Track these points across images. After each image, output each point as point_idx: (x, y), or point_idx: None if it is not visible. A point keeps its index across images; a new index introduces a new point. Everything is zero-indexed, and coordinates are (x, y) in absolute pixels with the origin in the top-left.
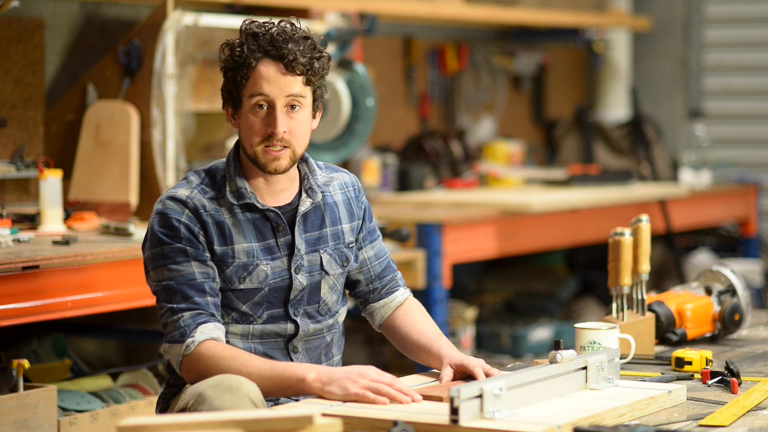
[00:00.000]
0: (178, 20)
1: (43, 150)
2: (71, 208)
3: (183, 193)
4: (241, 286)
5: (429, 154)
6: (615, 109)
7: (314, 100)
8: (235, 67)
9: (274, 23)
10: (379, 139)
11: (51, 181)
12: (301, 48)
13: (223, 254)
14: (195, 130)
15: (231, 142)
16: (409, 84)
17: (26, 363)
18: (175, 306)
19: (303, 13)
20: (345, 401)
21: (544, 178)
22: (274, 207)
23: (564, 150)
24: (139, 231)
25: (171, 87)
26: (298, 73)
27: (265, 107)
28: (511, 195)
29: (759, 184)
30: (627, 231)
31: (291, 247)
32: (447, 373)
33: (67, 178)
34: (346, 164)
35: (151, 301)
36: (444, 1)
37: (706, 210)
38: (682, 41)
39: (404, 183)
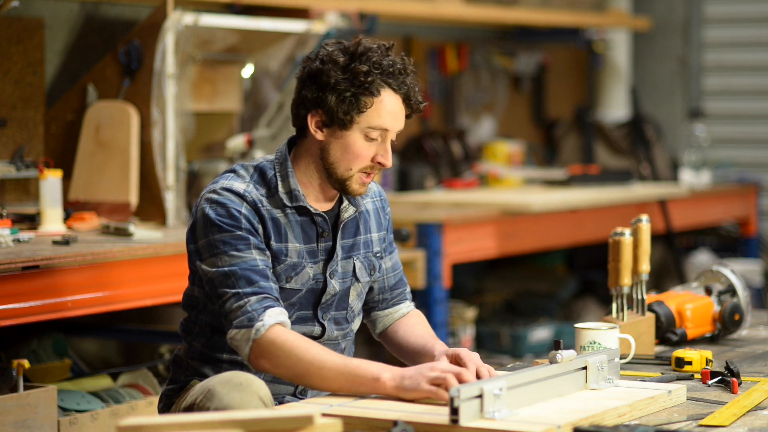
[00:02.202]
0: (178, 20)
1: (43, 150)
2: (71, 208)
3: (239, 186)
4: (287, 286)
5: (429, 154)
6: (615, 109)
7: None
8: (359, 93)
9: (387, 49)
10: None
11: (51, 181)
12: (414, 84)
13: (278, 251)
14: (195, 130)
15: (231, 142)
16: None
17: (26, 363)
18: (240, 291)
19: (303, 13)
20: (417, 400)
21: (544, 178)
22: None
23: (564, 150)
24: (139, 231)
25: (171, 87)
26: (414, 110)
27: (379, 138)
28: (511, 195)
29: (759, 184)
30: (627, 231)
31: (330, 252)
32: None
33: (67, 178)
34: None
35: (151, 300)
36: (444, 1)
37: (706, 210)
38: (682, 41)
39: (404, 183)
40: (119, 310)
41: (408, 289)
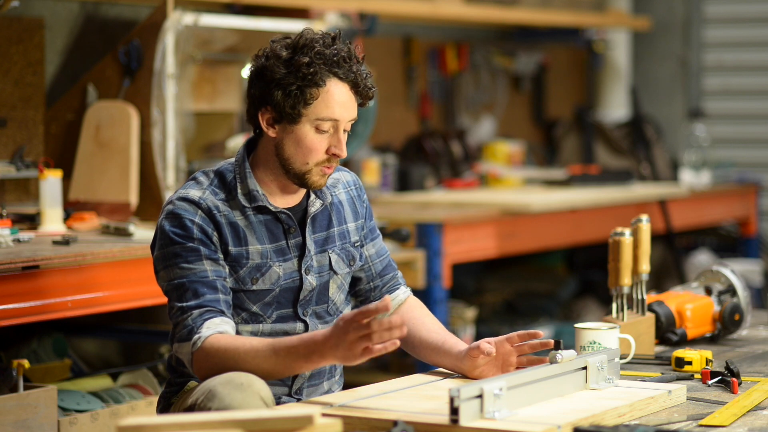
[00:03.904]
0: (178, 20)
1: (43, 150)
2: (71, 208)
3: (195, 194)
4: (254, 287)
5: (429, 154)
6: (615, 109)
7: None
8: (303, 85)
9: (333, 39)
10: (379, 139)
11: (51, 181)
12: (363, 71)
13: (237, 255)
14: (195, 130)
15: (231, 142)
16: (409, 84)
17: (26, 363)
18: (184, 305)
19: (303, 13)
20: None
21: (544, 178)
22: (285, 209)
23: (564, 150)
24: (139, 231)
25: (171, 87)
26: (364, 97)
27: (331, 129)
28: (511, 195)
29: (759, 184)
30: (627, 231)
31: (301, 248)
32: (486, 345)
33: (67, 178)
34: (346, 164)
35: (151, 300)
36: (444, 1)
37: (706, 210)
38: (682, 41)
39: (404, 183)
40: (119, 310)
41: (399, 274)
